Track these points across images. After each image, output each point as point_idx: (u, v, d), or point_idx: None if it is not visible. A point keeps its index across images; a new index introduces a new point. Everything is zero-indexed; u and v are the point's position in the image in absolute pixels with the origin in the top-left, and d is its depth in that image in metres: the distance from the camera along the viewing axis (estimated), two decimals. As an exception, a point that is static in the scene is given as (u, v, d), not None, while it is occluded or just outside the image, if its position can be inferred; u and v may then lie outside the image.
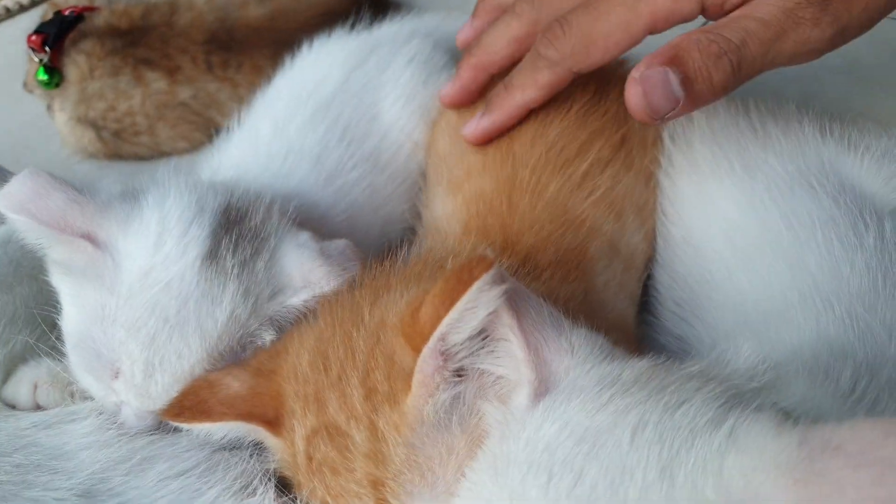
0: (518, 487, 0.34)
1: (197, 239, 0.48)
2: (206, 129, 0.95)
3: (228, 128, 0.94)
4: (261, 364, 0.46)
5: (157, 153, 0.94)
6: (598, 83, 0.63)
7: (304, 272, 0.50)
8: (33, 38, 0.88)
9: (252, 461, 0.46)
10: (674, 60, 0.46)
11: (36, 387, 0.51)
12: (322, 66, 0.75)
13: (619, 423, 0.34)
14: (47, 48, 0.87)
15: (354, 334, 0.41)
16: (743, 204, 0.59)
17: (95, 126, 0.92)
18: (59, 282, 0.49)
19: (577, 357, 0.39)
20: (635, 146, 0.65)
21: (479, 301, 0.36)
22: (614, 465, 0.33)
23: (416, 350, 0.38)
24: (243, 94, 0.92)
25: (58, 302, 0.56)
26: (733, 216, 0.59)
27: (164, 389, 0.46)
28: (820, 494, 0.30)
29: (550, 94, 0.58)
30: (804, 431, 0.32)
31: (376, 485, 0.38)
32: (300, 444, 0.41)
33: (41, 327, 0.55)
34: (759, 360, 0.41)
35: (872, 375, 0.43)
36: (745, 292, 0.53)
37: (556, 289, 0.51)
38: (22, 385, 0.51)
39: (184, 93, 0.91)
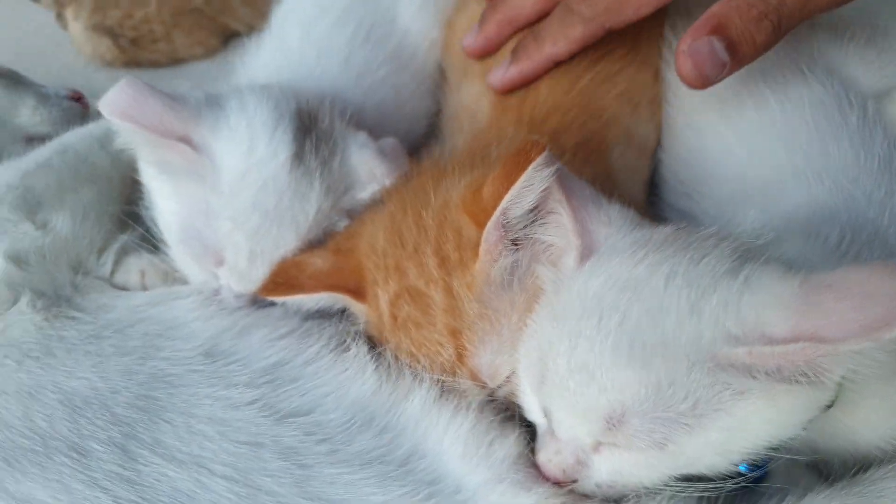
0: (574, 327, 0.42)
1: (284, 142, 0.54)
2: (220, 34, 0.98)
3: (245, 33, 0.98)
4: (338, 244, 0.53)
5: (174, 60, 0.97)
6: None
7: (369, 169, 0.57)
8: (45, -54, 0.88)
9: (342, 324, 0.54)
10: (717, 29, 0.50)
11: (143, 273, 0.58)
12: None
13: (654, 273, 0.43)
14: (60, -44, 0.88)
15: (424, 214, 0.49)
16: (740, 90, 0.66)
17: (112, 34, 0.94)
18: (155, 181, 0.55)
19: (613, 227, 0.47)
20: (647, 46, 0.70)
21: (535, 179, 0.43)
22: (653, 306, 0.41)
23: (480, 224, 0.46)
24: (255, -1, 0.95)
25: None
26: (731, 101, 0.66)
27: (263, 273, 0.53)
28: (814, 321, 0.38)
29: (580, 49, 0.61)
30: (803, 277, 0.40)
31: (454, 333, 0.47)
32: (384, 307, 0.49)
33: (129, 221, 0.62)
34: (762, 223, 0.49)
35: (855, 234, 0.51)
36: (744, 167, 0.60)
37: (580, 169, 0.58)
38: (132, 273, 0.59)
39: (198, -1, 0.93)
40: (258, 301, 0.56)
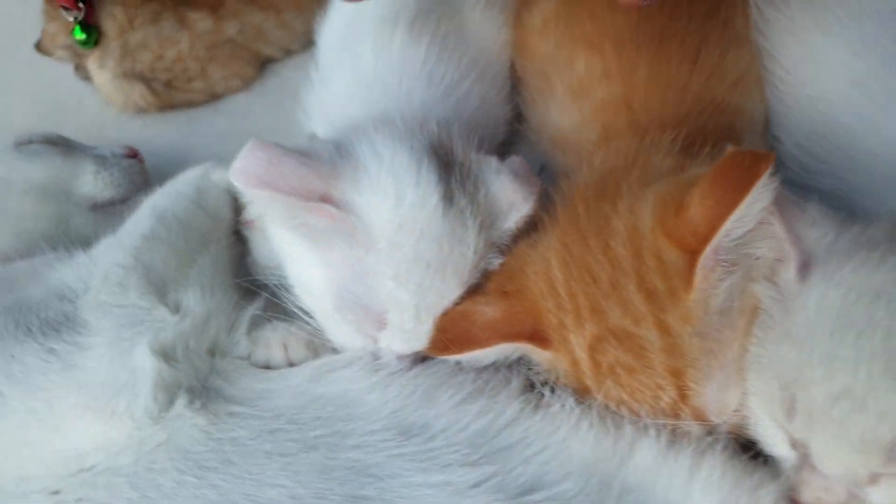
0: (826, 349, 0.38)
1: (431, 183, 0.49)
2: (255, 62, 0.92)
3: (280, 58, 0.92)
4: (502, 286, 0.49)
5: (211, 96, 0.91)
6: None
7: (508, 196, 0.52)
8: (64, -4, 0.81)
9: (532, 376, 0.49)
10: None
11: (285, 346, 0.54)
12: None
13: None
14: (81, 4, 0.81)
15: (612, 243, 0.44)
16: (859, 49, 0.62)
17: (144, 79, 0.88)
18: (294, 248, 0.50)
19: (820, 227, 0.43)
20: (739, 22, 0.66)
21: (761, 196, 0.39)
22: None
23: (686, 248, 0.42)
24: (287, 20, 0.89)
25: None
26: (853, 63, 0.62)
27: (428, 330, 0.49)
28: None
29: None
30: None
31: (676, 374, 0.43)
32: (582, 353, 0.45)
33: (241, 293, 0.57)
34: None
35: None
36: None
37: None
38: (273, 347, 0.54)
39: (230, 28, 0.87)
40: (420, 359, 0.51)
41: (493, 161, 0.54)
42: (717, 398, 0.43)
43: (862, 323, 0.38)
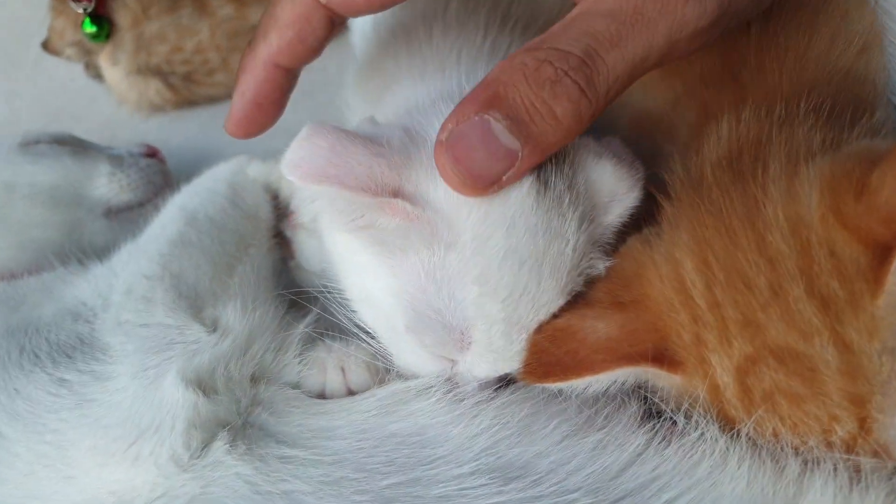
0: None
1: None
2: (283, 52, 0.83)
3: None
4: (616, 296, 0.40)
5: (233, 90, 0.83)
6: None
7: (611, 184, 0.43)
8: (73, -15, 0.73)
9: (652, 400, 0.40)
10: (492, 102, 0.33)
11: (344, 370, 0.44)
12: None
13: None
14: (91, -7, 0.73)
15: (769, 237, 0.35)
16: None
17: (161, 73, 0.79)
18: (359, 256, 0.41)
19: None
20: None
21: None
22: None
23: (874, 242, 0.32)
24: (319, 3, 0.80)
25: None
26: None
27: (521, 347, 0.40)
28: None
29: None
30: None
31: (858, 401, 0.33)
32: (727, 378, 0.36)
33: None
34: None
35: None
36: None
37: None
38: (330, 371, 0.44)
39: (255, 14, 0.78)
40: (506, 385, 0.42)
41: (592, 142, 0.45)
42: (912, 430, 0.34)
43: None
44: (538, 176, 0.40)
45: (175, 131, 0.83)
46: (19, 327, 0.45)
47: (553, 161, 0.41)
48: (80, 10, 0.75)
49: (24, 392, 0.40)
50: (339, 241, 0.42)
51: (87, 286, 0.48)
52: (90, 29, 0.76)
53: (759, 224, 0.35)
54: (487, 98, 0.33)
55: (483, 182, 0.35)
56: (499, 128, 0.33)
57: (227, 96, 0.82)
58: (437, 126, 0.41)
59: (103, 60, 0.80)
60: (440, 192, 0.39)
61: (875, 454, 0.34)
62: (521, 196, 0.39)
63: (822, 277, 0.33)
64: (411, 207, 0.38)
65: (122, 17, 0.76)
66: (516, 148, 0.34)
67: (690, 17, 0.35)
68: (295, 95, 0.86)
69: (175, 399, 0.39)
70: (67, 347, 0.43)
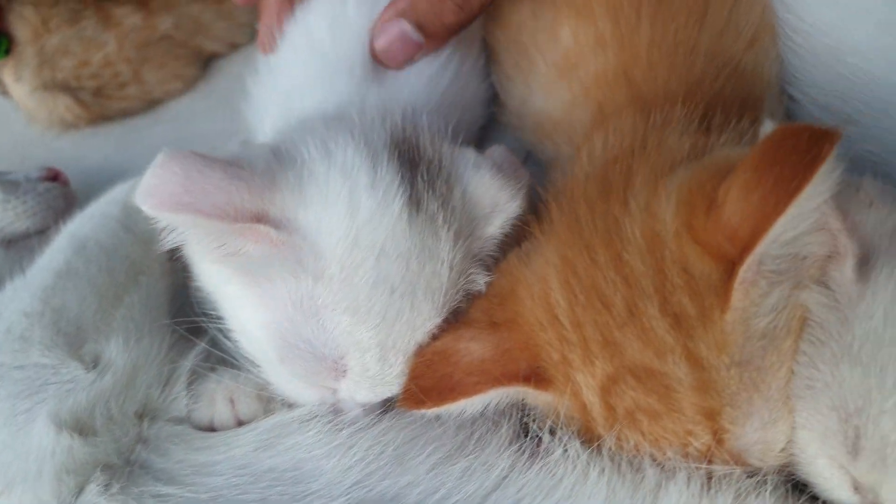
0: None
1: (392, 186, 0.39)
2: (196, 60, 0.81)
3: (226, 53, 0.82)
4: (491, 315, 0.40)
5: (149, 103, 0.81)
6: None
7: (491, 195, 0.42)
8: (-38, 0, 0.71)
9: (526, 418, 0.40)
10: (405, 12, 0.51)
11: (232, 401, 0.44)
12: None
13: None
14: (-16, 9, 0.71)
15: (625, 255, 0.35)
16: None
17: (69, 88, 0.77)
18: (228, 285, 0.40)
19: (880, 209, 0.34)
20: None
21: (822, 188, 0.30)
22: None
23: (723, 258, 0.33)
24: (229, 9, 0.79)
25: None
26: (880, 3, 0.52)
27: (400, 370, 0.39)
28: None
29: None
30: None
31: (711, 415, 0.34)
32: (592, 397, 0.36)
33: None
34: None
35: None
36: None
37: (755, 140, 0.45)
38: (218, 402, 0.44)
39: (164, 23, 0.77)
40: (392, 408, 0.42)
41: (471, 153, 0.44)
42: (761, 438, 0.34)
43: None
44: (410, 197, 0.39)
45: (90, 148, 0.81)
46: None
47: (426, 180, 0.41)
48: (-25, 28, 0.72)
49: None
50: (206, 272, 0.42)
51: (-32, 328, 0.46)
52: (-13, 46, 0.73)
53: (618, 242, 0.35)
54: (401, 9, 0.51)
55: (403, 60, 0.53)
56: (409, 28, 0.51)
57: (143, 110, 0.81)
58: (314, 147, 0.40)
59: (6, 77, 0.78)
60: (309, 216, 0.38)
61: (729, 462, 0.35)
62: (391, 221, 0.38)
63: (674, 295, 0.34)
64: (275, 233, 0.38)
65: (21, 31, 0.74)
66: (421, 40, 0.52)
67: None
68: (211, 104, 0.85)
69: (44, 444, 0.38)
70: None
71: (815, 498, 0.36)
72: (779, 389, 0.34)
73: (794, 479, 0.36)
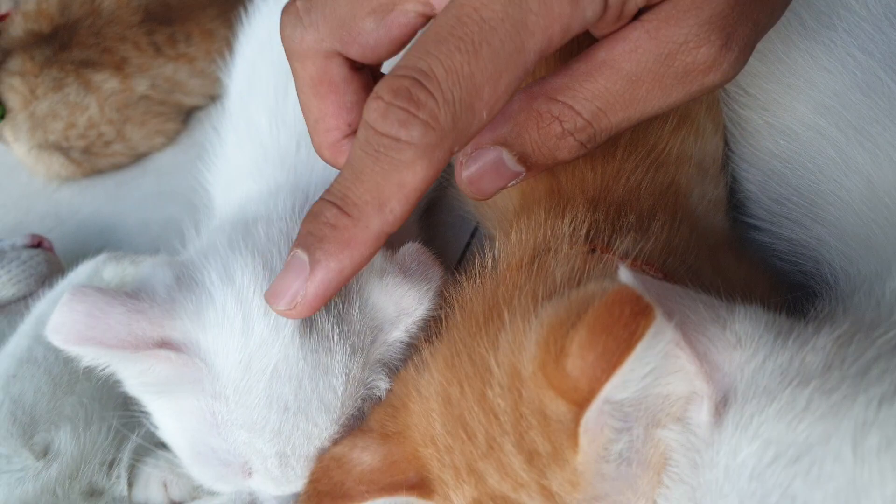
0: None
1: None
2: (176, 116, 0.85)
3: (204, 105, 0.85)
4: (384, 426, 0.42)
5: (135, 157, 0.85)
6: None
7: (395, 301, 0.44)
8: (-45, 75, 0.75)
9: None
10: (506, 141, 0.38)
11: (165, 485, 0.48)
12: None
13: (832, 433, 0.30)
14: (-26, 82, 0.75)
15: (489, 393, 0.36)
16: (828, 63, 0.51)
17: (61, 148, 0.82)
18: (146, 398, 0.44)
19: (746, 349, 0.34)
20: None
21: (645, 359, 0.31)
22: (843, 489, 0.29)
23: (573, 402, 0.33)
24: (202, 67, 0.82)
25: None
26: (821, 82, 0.51)
27: (303, 471, 0.43)
28: None
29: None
30: None
31: (569, 547, 0.35)
32: (463, 514, 0.38)
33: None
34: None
35: None
36: (869, 177, 0.46)
37: (670, 239, 0.45)
38: (152, 486, 0.48)
39: (140, 85, 0.80)
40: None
41: (376, 261, 0.46)
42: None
43: (775, 496, 0.30)
44: (304, 320, 0.42)
45: (85, 199, 0.86)
46: None
47: None
48: (-29, 98, 0.77)
49: None
50: (126, 382, 0.45)
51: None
52: (-16, 112, 0.78)
53: (483, 377, 0.37)
54: (503, 137, 0.38)
55: (491, 192, 0.40)
56: (509, 159, 0.38)
57: (131, 162, 0.86)
58: (216, 270, 0.43)
59: (7, 136, 0.83)
60: (208, 339, 0.41)
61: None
62: (283, 345, 0.41)
63: (529, 433, 0.35)
64: (175, 356, 0.40)
65: (12, 99, 0.78)
66: (521, 171, 0.39)
67: (712, 84, 0.37)
68: (193, 155, 0.88)
69: None
70: None
71: None
72: (637, 521, 0.35)
73: None
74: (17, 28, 0.78)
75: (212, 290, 0.42)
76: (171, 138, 0.85)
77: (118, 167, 0.86)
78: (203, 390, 0.41)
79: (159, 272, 0.44)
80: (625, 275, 0.33)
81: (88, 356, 0.41)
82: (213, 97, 0.84)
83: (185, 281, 0.43)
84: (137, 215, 0.84)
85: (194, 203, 0.80)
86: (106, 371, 0.44)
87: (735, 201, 0.56)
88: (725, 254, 0.50)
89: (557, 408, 0.34)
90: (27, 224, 0.85)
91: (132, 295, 0.41)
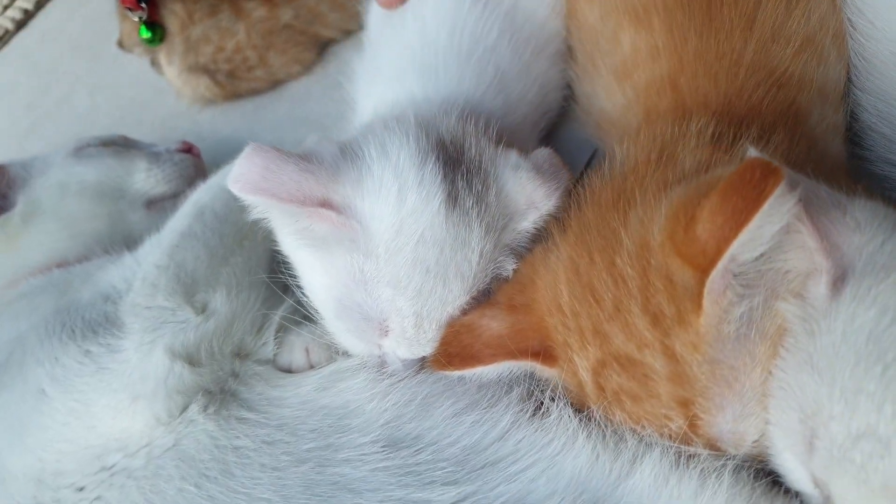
0: (849, 382, 0.33)
1: (434, 185, 0.46)
2: (314, 46, 0.91)
3: (340, 39, 0.91)
4: (511, 299, 0.46)
5: (273, 83, 0.92)
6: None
7: (527, 194, 0.48)
8: (127, -3, 0.84)
9: (533, 385, 0.47)
10: None
11: (307, 350, 0.54)
12: None
13: None
14: (143, 4, 0.84)
15: (618, 261, 0.40)
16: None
17: (208, 71, 0.90)
18: (299, 252, 0.50)
19: (865, 233, 0.37)
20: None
21: (772, 217, 0.33)
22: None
23: (699, 268, 0.37)
24: (343, 1, 0.87)
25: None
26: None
27: (433, 336, 0.47)
28: None
29: None
30: None
31: (684, 403, 0.38)
32: (586, 376, 0.42)
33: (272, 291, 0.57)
34: None
35: None
36: None
37: (789, 151, 0.47)
38: (296, 351, 0.54)
39: (285, 14, 0.87)
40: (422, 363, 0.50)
41: (512, 155, 0.50)
42: (733, 429, 0.38)
43: (892, 353, 0.32)
44: (449, 194, 0.46)
45: (224, 121, 0.94)
46: (64, 307, 0.57)
47: (464, 178, 0.47)
48: (136, 19, 0.86)
49: (62, 360, 0.52)
50: (283, 240, 0.51)
51: (118, 272, 0.59)
52: (146, 35, 0.87)
53: (613, 249, 0.40)
54: None
55: None
56: None
57: (268, 88, 0.93)
58: (374, 146, 0.48)
59: (162, 59, 0.92)
60: (365, 205, 0.46)
61: (710, 448, 0.39)
62: (430, 213, 0.46)
63: (655, 297, 0.38)
64: (336, 216, 0.46)
65: (172, 23, 0.87)
66: None
67: None
68: (326, 86, 0.94)
69: (162, 369, 0.49)
70: (95, 324, 0.54)
71: (775, 482, 0.39)
72: (752, 388, 0.38)
73: (765, 467, 0.40)
74: (181, -43, 0.86)
75: (370, 162, 0.47)
76: (307, 67, 0.91)
77: (256, 92, 0.93)
78: (357, 248, 0.46)
79: (325, 144, 0.49)
80: (753, 152, 0.36)
81: (259, 207, 0.47)
82: (348, 31, 0.90)
83: (348, 153, 0.48)
84: (272, 137, 0.90)
85: (326, 127, 0.87)
86: (268, 225, 0.49)
87: (851, 135, 0.57)
88: (840, 179, 0.51)
89: (684, 273, 0.38)
90: (171, 142, 0.93)
91: (303, 157, 0.47)
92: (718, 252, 0.35)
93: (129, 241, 0.69)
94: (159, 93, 0.99)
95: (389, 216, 0.46)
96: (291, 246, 0.50)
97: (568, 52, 0.70)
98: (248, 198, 0.46)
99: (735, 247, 0.34)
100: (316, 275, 0.49)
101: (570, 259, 0.43)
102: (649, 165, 0.44)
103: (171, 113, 0.98)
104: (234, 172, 0.46)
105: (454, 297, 0.47)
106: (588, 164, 0.71)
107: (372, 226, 0.46)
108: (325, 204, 0.46)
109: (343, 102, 0.78)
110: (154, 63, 0.96)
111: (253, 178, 0.45)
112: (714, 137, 0.45)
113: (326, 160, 0.47)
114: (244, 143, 0.98)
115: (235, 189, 0.46)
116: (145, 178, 0.72)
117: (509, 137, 0.55)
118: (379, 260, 0.46)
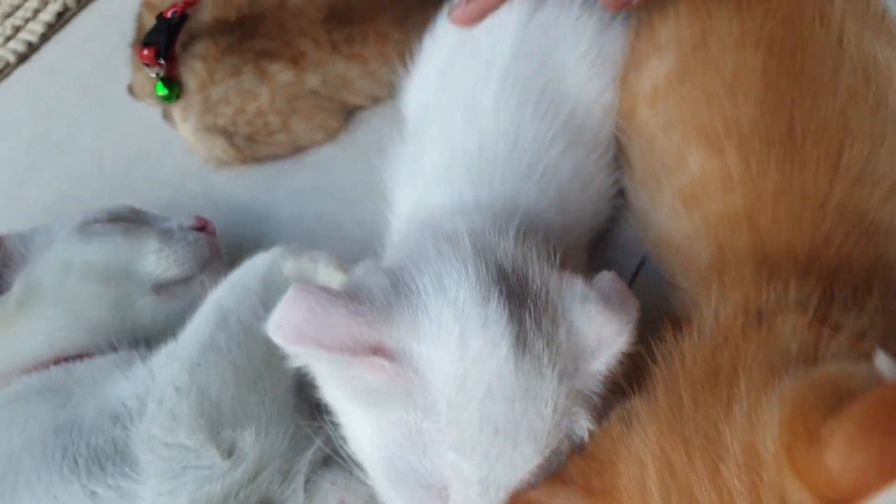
0: None
1: (501, 325, 0.41)
2: (340, 113, 0.86)
3: (367, 106, 0.86)
4: (588, 481, 0.41)
5: (294, 149, 0.87)
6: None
7: (597, 330, 0.43)
8: (145, 52, 0.79)
9: None
10: None
11: None
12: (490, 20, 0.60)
13: None
14: (161, 61, 0.78)
15: (723, 469, 0.35)
16: None
17: (226, 133, 0.84)
18: (346, 406, 0.44)
19: None
20: (892, 95, 0.52)
21: None
22: None
23: (822, 498, 0.32)
24: (373, 69, 0.83)
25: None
26: None
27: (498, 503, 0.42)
28: None
29: None
30: None
31: None
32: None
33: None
34: None
35: None
36: None
37: (886, 318, 0.43)
38: None
39: (313, 80, 0.82)
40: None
41: (578, 285, 0.45)
42: None
43: None
44: (517, 337, 0.41)
45: (240, 184, 0.88)
46: (66, 425, 0.50)
47: (533, 318, 0.42)
48: (153, 76, 0.80)
49: (62, 500, 0.46)
50: (327, 387, 0.45)
51: (127, 386, 0.52)
52: (162, 92, 0.81)
53: (716, 449, 0.35)
54: None
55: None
56: None
57: (289, 154, 0.87)
58: (429, 278, 0.43)
59: (176, 115, 0.86)
60: (422, 350, 0.41)
61: None
62: (498, 363, 0.40)
63: (769, 522, 0.33)
64: (390, 365, 0.40)
65: (191, 81, 0.81)
66: None
67: None
68: (352, 155, 0.88)
69: None
70: (102, 454, 0.48)
71: None
72: None
73: None
74: (206, 14, 0.80)
75: (427, 300, 0.42)
76: (332, 135, 0.86)
77: (276, 158, 0.87)
78: (413, 404, 0.41)
79: (377, 276, 0.44)
80: (884, 363, 0.31)
81: (303, 356, 0.42)
82: (376, 99, 0.85)
83: (401, 287, 0.43)
84: (291, 207, 0.85)
85: (350, 200, 0.82)
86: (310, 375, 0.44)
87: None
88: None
89: (803, 499, 0.33)
90: (180, 202, 0.87)
91: (353, 296, 0.41)
92: (857, 494, 0.30)
93: (137, 331, 0.64)
94: (170, 145, 0.93)
95: (451, 364, 0.40)
96: (336, 395, 0.45)
97: (621, 155, 0.66)
98: (292, 348, 0.40)
99: (881, 499, 0.29)
100: (363, 429, 0.43)
101: (662, 450, 0.38)
102: (746, 339, 0.39)
103: (183, 170, 0.92)
104: (276, 318, 0.41)
105: (526, 461, 0.41)
106: (636, 274, 0.67)
107: (430, 375, 0.41)
108: (378, 350, 0.41)
109: (370, 173, 0.74)
110: (166, 117, 0.90)
111: (297, 325, 0.40)
112: (818, 304, 0.40)
113: (378, 298, 0.42)
114: (262, 212, 0.92)
115: (277, 338, 0.40)
116: (156, 261, 0.66)
117: (563, 256, 0.51)
118: (440, 418, 0.40)
